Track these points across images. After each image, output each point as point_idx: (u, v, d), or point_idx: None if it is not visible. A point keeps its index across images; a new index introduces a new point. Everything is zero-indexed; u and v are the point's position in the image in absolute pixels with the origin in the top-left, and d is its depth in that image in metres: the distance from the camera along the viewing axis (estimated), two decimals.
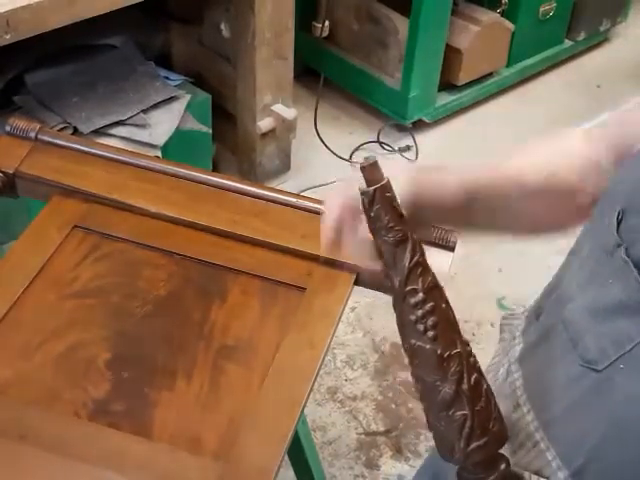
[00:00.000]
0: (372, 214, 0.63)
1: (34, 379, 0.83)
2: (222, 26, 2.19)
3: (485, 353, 2.21)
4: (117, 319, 0.90)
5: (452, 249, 0.93)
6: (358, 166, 0.63)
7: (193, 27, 2.28)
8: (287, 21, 2.08)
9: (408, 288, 0.63)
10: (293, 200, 0.99)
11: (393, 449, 1.78)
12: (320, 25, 2.49)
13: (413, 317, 0.63)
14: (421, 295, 0.62)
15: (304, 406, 0.82)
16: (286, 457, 0.86)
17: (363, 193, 0.63)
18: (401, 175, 0.69)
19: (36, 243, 0.96)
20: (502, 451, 0.67)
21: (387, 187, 0.62)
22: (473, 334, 2.01)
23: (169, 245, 0.97)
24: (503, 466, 0.64)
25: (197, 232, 0.98)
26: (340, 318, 0.91)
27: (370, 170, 0.62)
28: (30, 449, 0.76)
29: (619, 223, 0.64)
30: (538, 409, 0.70)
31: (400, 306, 0.64)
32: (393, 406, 1.85)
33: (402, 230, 0.62)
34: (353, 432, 1.80)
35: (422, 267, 0.63)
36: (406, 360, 0.65)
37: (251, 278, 0.94)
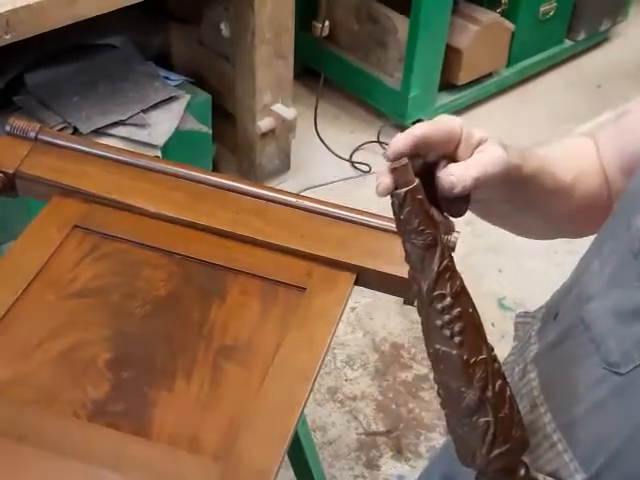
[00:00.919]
0: (402, 217, 0.61)
1: (33, 379, 0.83)
2: (222, 26, 2.19)
3: None
4: (117, 319, 0.90)
5: (452, 249, 0.93)
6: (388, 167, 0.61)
7: (193, 27, 2.28)
8: (287, 21, 2.08)
9: (436, 293, 0.61)
10: (293, 200, 0.99)
11: (393, 449, 1.78)
12: (320, 25, 2.49)
13: (440, 322, 0.61)
14: (449, 300, 0.61)
15: (304, 406, 0.82)
16: (286, 457, 0.86)
17: (394, 195, 0.61)
18: (493, 138, 0.68)
19: (36, 243, 0.96)
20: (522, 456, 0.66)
21: (418, 189, 0.61)
22: None
23: (169, 245, 0.97)
24: (523, 472, 0.64)
25: (197, 232, 0.98)
26: (340, 318, 0.91)
27: (401, 172, 0.60)
28: (29, 449, 0.76)
29: None
30: (557, 410, 0.69)
31: (426, 310, 0.62)
32: (393, 406, 1.85)
33: (432, 234, 0.61)
34: (353, 432, 1.80)
35: (451, 271, 0.62)
36: (428, 365, 0.64)
37: (251, 278, 0.94)
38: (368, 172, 2.44)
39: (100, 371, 0.84)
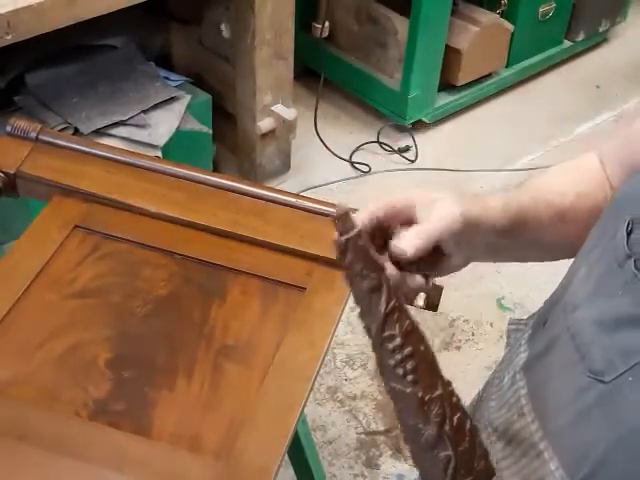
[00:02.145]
0: (346, 262, 0.64)
1: (34, 379, 0.83)
2: (222, 26, 2.19)
3: (484, 353, 2.21)
4: (118, 319, 0.90)
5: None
6: (332, 216, 0.64)
7: (193, 27, 2.28)
8: (287, 21, 2.08)
9: (385, 334, 0.63)
10: (293, 200, 0.99)
11: (393, 448, 1.78)
12: (320, 25, 2.49)
13: (392, 362, 0.63)
14: (399, 340, 0.62)
15: (304, 406, 0.82)
16: (286, 457, 0.87)
17: (336, 242, 0.64)
18: (448, 195, 0.71)
19: (37, 243, 0.96)
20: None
21: (359, 236, 0.63)
22: (473, 334, 2.01)
23: (169, 245, 0.97)
24: None
25: (197, 232, 0.98)
26: (340, 318, 0.91)
27: (342, 220, 0.63)
28: (30, 448, 0.76)
29: (629, 234, 0.63)
30: (543, 419, 0.70)
31: (378, 351, 0.64)
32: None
33: (376, 277, 0.63)
34: (353, 432, 1.80)
35: (398, 312, 0.63)
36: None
37: (251, 278, 0.94)
38: (368, 172, 2.44)
39: (101, 371, 0.84)
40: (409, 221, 0.70)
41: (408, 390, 0.62)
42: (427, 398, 0.62)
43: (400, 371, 0.62)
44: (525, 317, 0.87)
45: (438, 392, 0.62)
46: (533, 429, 0.70)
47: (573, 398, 0.66)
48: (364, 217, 0.69)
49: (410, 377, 0.62)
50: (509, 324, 0.88)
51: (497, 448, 0.73)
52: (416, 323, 0.64)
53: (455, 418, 0.62)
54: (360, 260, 0.63)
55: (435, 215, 0.69)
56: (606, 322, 0.64)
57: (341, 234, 0.63)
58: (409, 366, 0.62)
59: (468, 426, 0.63)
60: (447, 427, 0.62)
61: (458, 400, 0.64)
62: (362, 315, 0.65)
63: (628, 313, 0.62)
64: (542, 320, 0.77)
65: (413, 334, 0.63)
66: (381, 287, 0.63)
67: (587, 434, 0.65)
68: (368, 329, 0.64)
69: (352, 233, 0.63)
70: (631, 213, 0.64)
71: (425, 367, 0.63)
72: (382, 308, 0.62)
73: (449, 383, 0.64)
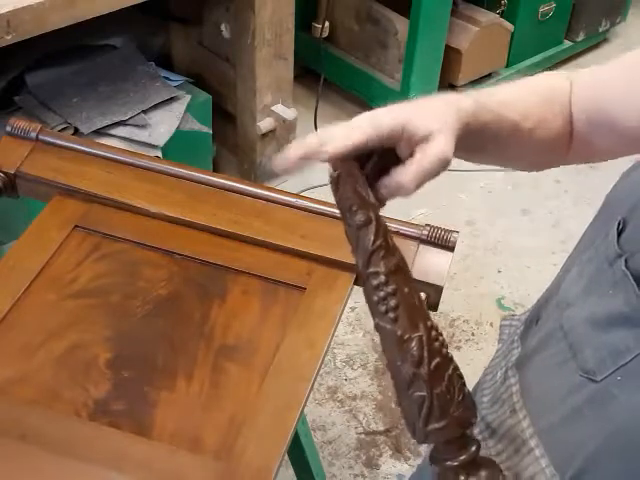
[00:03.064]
0: (337, 197, 0.65)
1: (35, 379, 0.83)
2: (222, 26, 2.19)
3: (484, 353, 2.21)
4: (118, 319, 0.90)
5: (452, 249, 0.93)
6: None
7: (193, 27, 2.28)
8: (287, 21, 2.08)
9: (370, 270, 0.64)
10: (293, 200, 0.99)
11: (393, 448, 1.78)
12: (320, 25, 2.49)
13: (375, 298, 0.64)
14: (382, 278, 0.63)
15: (304, 406, 0.82)
16: (286, 457, 0.87)
17: (330, 177, 0.65)
18: (442, 128, 0.66)
19: (36, 243, 0.96)
20: (474, 435, 0.67)
21: (351, 172, 0.64)
22: (472, 334, 2.01)
23: (169, 245, 0.97)
24: (473, 449, 0.65)
25: (197, 232, 0.98)
26: (340, 318, 0.91)
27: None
28: (31, 448, 0.76)
29: (620, 233, 0.64)
30: (535, 416, 0.70)
31: (364, 286, 0.65)
32: (393, 405, 1.86)
33: (365, 214, 0.64)
34: (353, 431, 1.80)
35: (384, 250, 0.64)
36: None
37: (251, 278, 0.94)
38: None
39: (101, 371, 0.84)
40: (396, 145, 0.66)
41: (388, 327, 0.64)
42: (406, 337, 0.63)
43: (382, 308, 0.64)
44: (518, 313, 0.87)
45: (418, 333, 0.63)
46: (524, 426, 0.70)
47: (564, 396, 0.66)
48: (349, 144, 0.65)
49: (391, 315, 0.63)
50: (502, 320, 0.88)
51: (490, 444, 0.74)
52: (405, 266, 0.65)
53: (434, 362, 0.63)
54: (350, 196, 0.64)
55: (433, 153, 0.65)
56: (597, 321, 0.64)
57: (334, 169, 0.65)
58: (391, 304, 0.63)
59: (449, 372, 0.64)
60: (423, 369, 0.63)
61: (441, 346, 0.64)
62: (353, 250, 0.65)
63: (618, 312, 0.62)
64: (535, 317, 0.78)
65: (398, 274, 0.64)
66: (369, 224, 0.64)
67: (577, 433, 0.65)
68: (357, 264, 0.65)
69: (342, 170, 0.64)
70: (622, 213, 0.64)
71: (407, 307, 0.63)
72: (369, 245, 0.63)
73: (434, 328, 0.65)
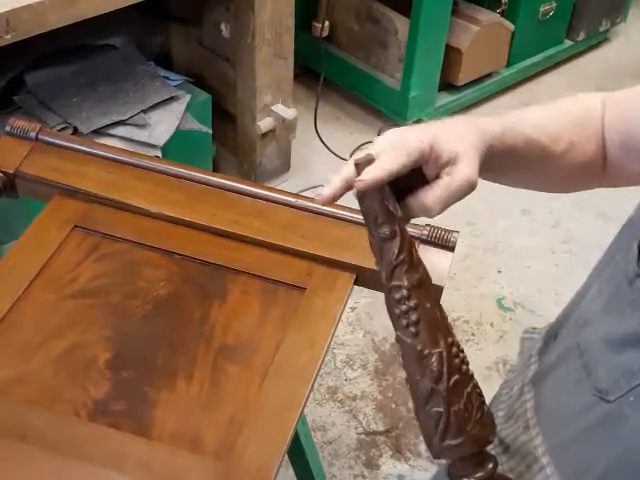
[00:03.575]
0: (363, 210, 0.65)
1: (34, 379, 0.83)
2: (222, 26, 2.19)
3: (484, 353, 2.21)
4: (117, 319, 0.90)
5: (452, 249, 0.93)
6: (352, 160, 0.64)
7: (193, 27, 2.28)
8: (287, 21, 2.08)
9: (392, 283, 0.64)
10: (293, 200, 0.99)
11: (393, 449, 1.78)
12: (320, 25, 2.49)
13: (397, 311, 0.64)
14: (405, 292, 0.64)
15: (304, 406, 0.82)
16: (286, 457, 0.86)
17: (355, 190, 0.64)
18: (469, 152, 0.66)
19: (36, 243, 0.96)
20: (493, 452, 0.67)
21: (376, 185, 0.63)
22: (473, 334, 2.01)
23: (169, 245, 0.97)
24: (490, 466, 0.65)
25: (197, 232, 0.98)
26: (340, 318, 0.91)
27: (363, 167, 0.63)
28: (30, 448, 0.76)
29: None
30: (547, 434, 0.70)
31: (387, 299, 0.66)
32: (393, 406, 1.85)
33: (390, 228, 0.64)
34: (353, 432, 1.80)
35: (408, 265, 0.64)
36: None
37: (251, 278, 0.94)
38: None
39: (101, 371, 0.84)
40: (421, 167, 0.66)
41: (409, 341, 0.64)
42: (426, 352, 0.63)
43: (404, 322, 0.64)
44: (540, 326, 0.87)
45: (438, 349, 0.63)
46: (537, 443, 0.70)
47: (577, 415, 0.66)
48: (385, 174, 0.63)
49: (412, 329, 0.64)
50: (524, 332, 0.88)
51: (502, 460, 0.73)
52: (428, 280, 0.65)
53: (453, 378, 0.63)
54: (376, 209, 0.64)
55: (459, 178, 0.65)
56: (613, 340, 0.63)
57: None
58: (412, 318, 0.64)
59: (468, 389, 0.64)
60: (442, 385, 0.63)
61: (462, 363, 0.65)
62: (377, 262, 0.66)
63: (634, 332, 0.61)
64: (554, 333, 0.77)
65: (421, 289, 0.64)
66: (394, 237, 0.64)
67: (588, 452, 0.64)
68: (380, 277, 0.66)
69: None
70: None
71: (428, 322, 0.64)
72: (392, 258, 0.64)
73: (455, 345, 0.65)
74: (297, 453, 1.40)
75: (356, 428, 1.81)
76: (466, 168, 0.65)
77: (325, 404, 1.85)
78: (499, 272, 2.19)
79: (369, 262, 0.93)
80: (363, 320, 2.03)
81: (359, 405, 1.85)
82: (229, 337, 0.88)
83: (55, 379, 0.83)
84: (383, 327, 2.01)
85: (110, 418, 0.80)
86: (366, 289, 0.96)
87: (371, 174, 0.62)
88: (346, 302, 0.92)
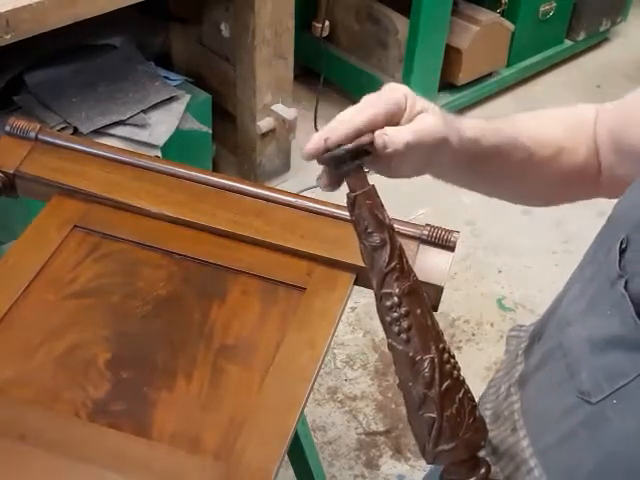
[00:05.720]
0: (353, 218, 0.66)
1: (34, 379, 0.83)
2: (222, 26, 2.19)
3: (484, 353, 2.21)
4: (117, 319, 0.90)
5: (452, 249, 0.93)
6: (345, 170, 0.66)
7: (193, 27, 2.28)
8: (287, 21, 2.08)
9: (383, 291, 0.65)
10: (293, 200, 0.99)
11: (393, 449, 1.78)
12: (320, 25, 2.49)
13: (388, 318, 0.65)
14: (396, 299, 0.64)
15: (304, 406, 0.82)
16: (286, 457, 0.86)
17: (347, 197, 0.66)
18: (435, 110, 0.70)
19: (36, 243, 0.96)
20: (485, 457, 0.67)
21: (369, 194, 0.65)
22: (473, 334, 2.01)
23: (169, 245, 0.97)
24: (482, 471, 0.65)
25: (197, 232, 0.98)
26: (340, 318, 0.91)
27: (355, 177, 0.65)
28: (30, 449, 0.76)
29: (622, 252, 0.63)
30: (534, 436, 0.70)
31: (378, 306, 0.66)
32: (393, 406, 1.85)
33: (380, 236, 0.65)
34: (353, 432, 1.80)
35: (399, 272, 0.65)
36: None
37: (251, 278, 0.94)
38: (368, 172, 2.44)
39: (100, 371, 0.84)
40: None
41: (400, 348, 0.65)
42: (417, 358, 0.64)
43: (395, 329, 0.65)
44: (527, 323, 0.87)
45: (429, 355, 0.64)
46: (525, 445, 0.70)
47: (561, 417, 0.66)
48: (349, 134, 0.68)
49: (403, 336, 0.64)
50: (510, 330, 0.88)
51: (491, 461, 0.73)
52: (419, 287, 0.66)
53: (445, 384, 0.64)
54: (366, 218, 0.65)
55: (425, 120, 0.69)
56: (595, 342, 0.63)
57: (351, 191, 0.66)
58: (404, 325, 0.64)
59: (459, 395, 0.65)
60: (434, 390, 0.64)
61: (453, 369, 0.65)
62: (368, 270, 0.67)
63: (615, 334, 0.61)
64: (538, 333, 0.77)
65: (412, 296, 0.65)
66: (384, 246, 0.65)
67: (574, 454, 0.64)
68: (372, 284, 0.66)
69: (362, 190, 0.65)
70: (626, 230, 0.63)
71: (419, 329, 0.65)
72: (383, 266, 0.65)
73: (447, 351, 0.66)
74: (297, 453, 1.40)
75: (356, 428, 1.81)
76: (433, 119, 0.69)
77: (325, 404, 1.85)
78: (499, 272, 2.19)
79: None
80: (363, 320, 2.03)
81: (359, 405, 1.85)
82: (229, 337, 0.88)
83: (55, 379, 0.83)
84: None
85: (110, 418, 0.80)
86: (366, 289, 0.95)
87: (337, 132, 0.67)
88: (346, 302, 0.92)
